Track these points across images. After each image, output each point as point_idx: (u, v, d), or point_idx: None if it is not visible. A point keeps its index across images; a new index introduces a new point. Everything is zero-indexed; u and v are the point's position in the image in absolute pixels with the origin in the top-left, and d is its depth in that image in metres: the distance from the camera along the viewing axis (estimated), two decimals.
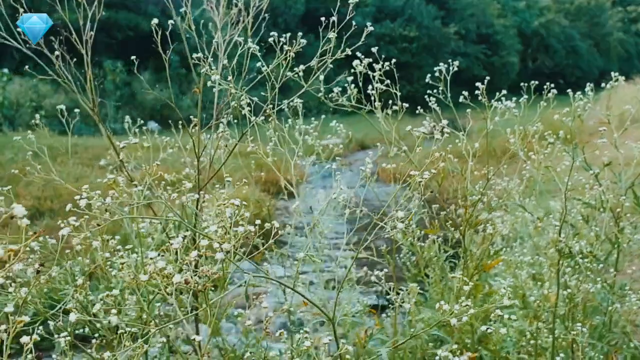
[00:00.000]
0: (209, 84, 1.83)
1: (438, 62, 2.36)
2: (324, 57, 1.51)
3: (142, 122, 2.96)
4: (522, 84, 2.29)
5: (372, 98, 2.17)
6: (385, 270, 2.40)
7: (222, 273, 0.92)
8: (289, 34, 1.64)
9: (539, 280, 2.80)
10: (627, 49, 39.51)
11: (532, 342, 2.19)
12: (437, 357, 1.52)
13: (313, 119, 2.60)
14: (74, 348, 1.71)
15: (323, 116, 2.64)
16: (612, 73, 2.45)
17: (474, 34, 32.19)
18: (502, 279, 2.94)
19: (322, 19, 1.55)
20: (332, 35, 1.46)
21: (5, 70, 18.41)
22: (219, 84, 1.57)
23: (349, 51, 1.52)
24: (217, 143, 1.70)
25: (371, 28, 1.51)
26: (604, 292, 2.32)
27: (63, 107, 2.08)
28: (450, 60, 2.41)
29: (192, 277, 0.88)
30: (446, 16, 31.55)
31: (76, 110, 2.13)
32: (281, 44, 1.51)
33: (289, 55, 1.48)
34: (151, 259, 0.90)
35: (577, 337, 2.10)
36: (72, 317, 0.94)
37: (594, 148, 2.23)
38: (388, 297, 2.63)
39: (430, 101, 2.41)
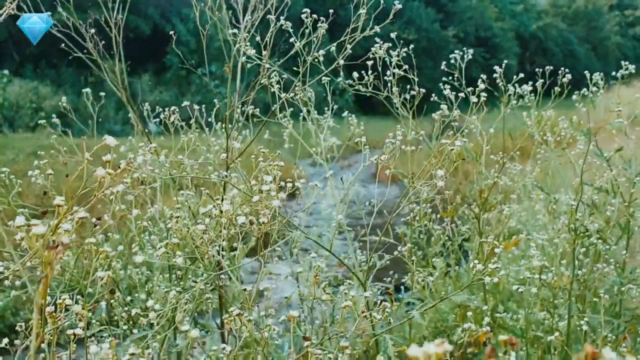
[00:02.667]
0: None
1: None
2: (354, 34, 1.55)
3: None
4: (537, 69, 2.34)
5: (389, 84, 2.22)
6: (401, 250, 2.43)
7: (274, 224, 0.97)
8: (314, 16, 1.69)
9: (545, 269, 2.84)
10: (625, 53, 39.64)
11: (546, 322, 2.23)
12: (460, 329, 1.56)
13: (328, 111, 2.62)
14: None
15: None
16: (624, 62, 2.50)
17: (473, 37, 32.30)
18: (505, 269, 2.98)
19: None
20: (362, 11, 1.51)
21: (6, 72, 18.41)
22: (252, 59, 1.62)
23: (377, 28, 1.57)
24: (245, 113, 1.75)
25: (399, 6, 1.55)
26: (614, 274, 2.37)
27: (89, 90, 2.13)
28: (464, 49, 2.47)
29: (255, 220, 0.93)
30: (445, 19, 31.66)
31: (111, 99, 2.18)
32: (311, 21, 1.56)
33: (321, 33, 1.52)
34: (218, 203, 0.95)
35: (589, 316, 2.14)
36: (139, 258, 0.98)
37: (606, 133, 2.28)
38: (403, 282, 2.66)
39: (444, 88, 2.46)
